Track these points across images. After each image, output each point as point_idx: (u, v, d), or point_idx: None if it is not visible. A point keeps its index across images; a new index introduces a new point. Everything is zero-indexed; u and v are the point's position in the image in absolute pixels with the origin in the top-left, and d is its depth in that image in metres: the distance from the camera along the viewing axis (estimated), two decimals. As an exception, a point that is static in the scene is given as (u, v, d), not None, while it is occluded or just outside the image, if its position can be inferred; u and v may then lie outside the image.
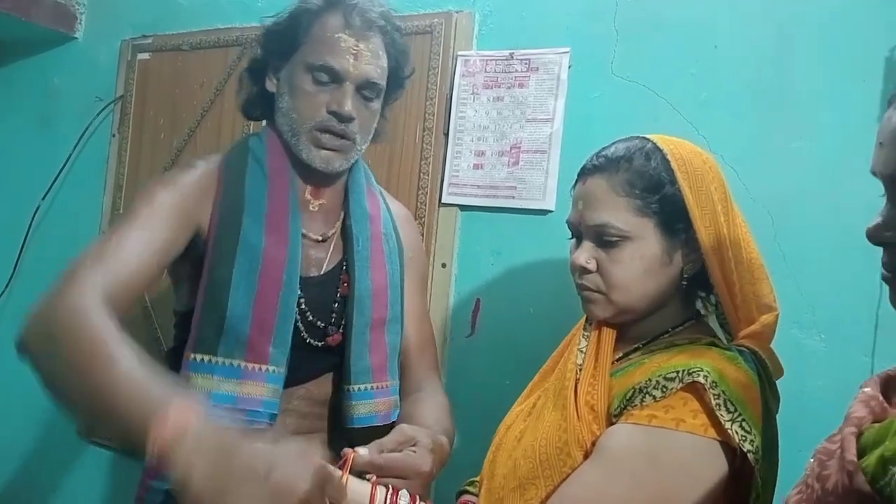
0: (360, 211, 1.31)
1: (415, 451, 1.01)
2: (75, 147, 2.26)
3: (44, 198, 2.30)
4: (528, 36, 1.65)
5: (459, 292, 1.70)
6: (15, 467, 2.35)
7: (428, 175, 1.72)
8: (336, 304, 1.26)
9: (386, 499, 0.93)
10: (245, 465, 0.81)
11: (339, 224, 1.32)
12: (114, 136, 2.21)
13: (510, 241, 1.65)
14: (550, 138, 1.60)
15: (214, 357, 1.15)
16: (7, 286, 2.34)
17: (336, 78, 1.20)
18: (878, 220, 0.72)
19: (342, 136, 1.22)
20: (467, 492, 1.20)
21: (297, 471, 0.82)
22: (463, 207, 1.70)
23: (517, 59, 1.64)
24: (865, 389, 0.75)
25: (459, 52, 1.71)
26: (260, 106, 1.32)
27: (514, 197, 1.63)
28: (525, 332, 1.59)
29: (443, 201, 1.71)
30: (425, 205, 1.72)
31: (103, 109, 2.23)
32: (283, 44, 1.24)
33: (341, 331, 1.26)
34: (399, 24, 1.30)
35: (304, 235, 1.25)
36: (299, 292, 1.21)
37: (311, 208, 1.29)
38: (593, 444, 0.96)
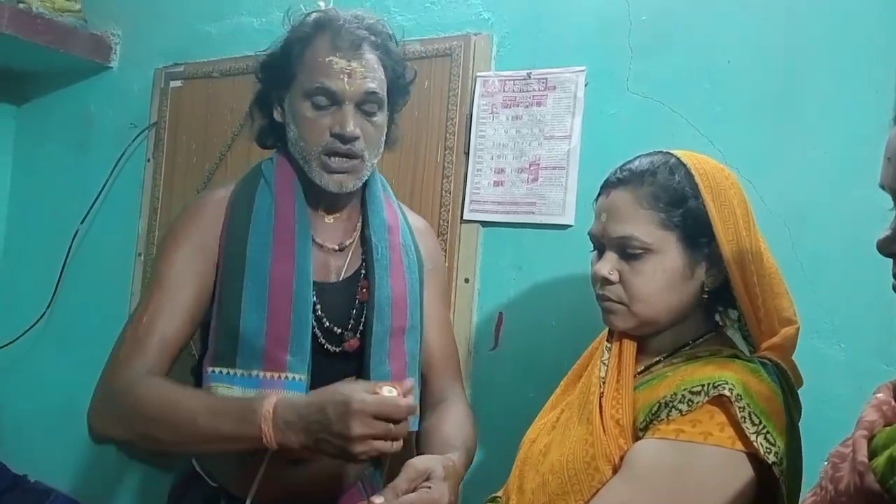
0: (379, 221, 1.34)
1: (430, 487, 1.04)
2: (111, 172, 2.33)
3: (82, 222, 2.37)
4: (545, 56, 1.69)
5: (483, 306, 1.74)
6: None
7: (450, 193, 1.76)
8: (354, 311, 1.29)
9: None
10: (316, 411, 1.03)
11: (356, 234, 1.35)
12: (148, 161, 2.28)
13: (531, 255, 1.68)
14: (568, 155, 1.63)
15: (233, 369, 1.21)
16: (48, 308, 2.41)
17: (334, 100, 1.23)
18: (887, 232, 0.74)
19: (349, 157, 1.24)
20: None
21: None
22: (484, 223, 1.74)
23: (534, 79, 1.68)
24: (878, 395, 0.77)
25: (478, 73, 1.75)
26: (272, 136, 1.36)
27: (534, 212, 1.66)
28: (547, 344, 1.62)
29: (465, 218, 1.74)
30: (447, 222, 1.76)
31: (138, 136, 2.30)
32: (279, 74, 1.28)
33: (359, 336, 1.29)
34: (391, 33, 1.31)
35: (320, 245, 1.29)
36: (315, 299, 1.25)
37: (326, 221, 1.33)
38: (621, 458, 0.97)
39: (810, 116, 1.42)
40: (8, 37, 2.11)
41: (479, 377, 1.72)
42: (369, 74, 1.24)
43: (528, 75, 1.69)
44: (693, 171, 1.04)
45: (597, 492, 0.96)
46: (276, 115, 1.31)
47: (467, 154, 1.75)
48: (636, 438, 0.98)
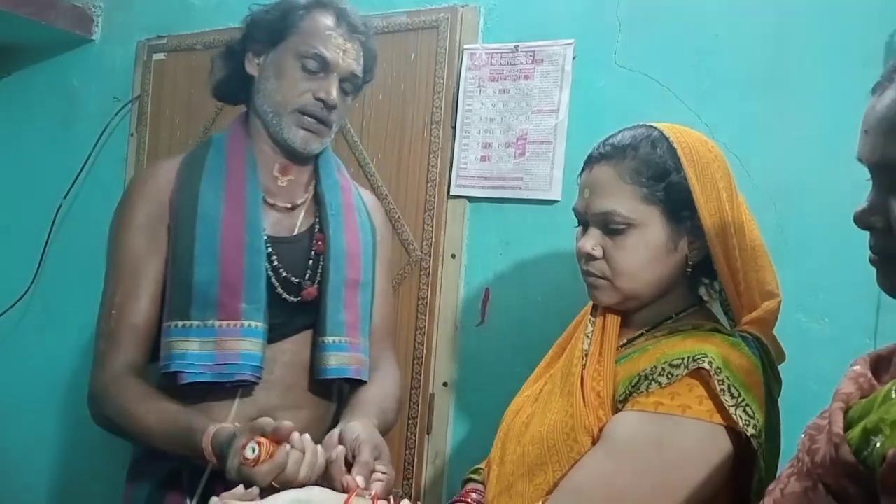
0: (331, 181, 1.40)
1: (385, 472, 1.08)
2: (94, 147, 2.31)
3: (65, 196, 2.35)
4: (533, 29, 1.67)
5: (469, 282, 1.74)
6: (44, 458, 2.42)
7: (436, 167, 1.75)
8: (311, 262, 1.33)
9: None
10: None
11: (308, 195, 1.39)
12: (132, 135, 2.25)
13: (518, 231, 1.68)
14: (556, 129, 1.62)
15: (188, 321, 1.23)
16: (32, 282, 2.39)
17: (325, 68, 1.30)
18: (864, 204, 0.73)
19: (323, 122, 1.32)
20: (472, 479, 1.21)
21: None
22: (471, 199, 1.73)
23: (522, 52, 1.67)
24: (855, 367, 0.77)
25: (465, 46, 1.73)
26: (234, 87, 1.40)
27: (521, 188, 1.66)
28: (534, 319, 1.62)
29: (451, 193, 1.74)
30: (434, 197, 1.75)
31: (121, 109, 2.27)
32: (271, 31, 1.33)
33: (317, 286, 1.32)
34: (373, 34, 1.41)
35: (271, 205, 1.33)
36: (270, 250, 1.29)
37: (279, 183, 1.36)
38: (600, 429, 0.97)
39: (799, 92, 1.41)
40: (-12, 8, 2.07)
41: (466, 352, 1.73)
42: (357, 58, 1.34)
43: (516, 48, 1.67)
44: (675, 145, 1.03)
45: (576, 462, 0.97)
46: (250, 67, 1.35)
47: (454, 128, 1.74)
48: (616, 411, 0.99)
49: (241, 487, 0.97)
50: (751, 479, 0.95)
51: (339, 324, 1.31)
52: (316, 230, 1.36)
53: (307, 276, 1.32)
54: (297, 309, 1.31)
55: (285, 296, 1.30)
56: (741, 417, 0.91)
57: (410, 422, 1.75)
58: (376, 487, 1.04)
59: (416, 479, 1.74)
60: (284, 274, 1.30)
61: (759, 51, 1.45)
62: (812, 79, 1.40)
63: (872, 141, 0.71)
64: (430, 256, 1.75)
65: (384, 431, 1.24)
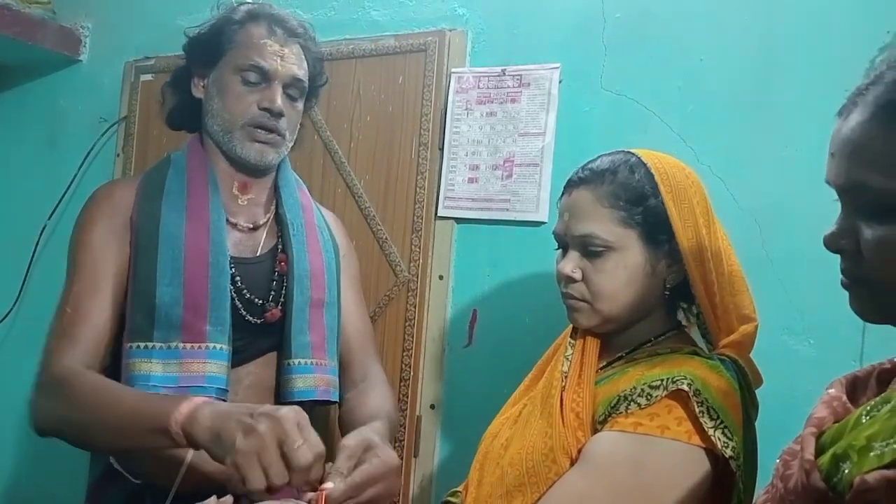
0: (292, 200, 1.39)
1: (377, 455, 1.03)
2: (80, 167, 2.29)
3: (50, 217, 2.33)
4: (520, 52, 1.69)
5: (457, 303, 1.73)
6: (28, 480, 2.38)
7: (424, 189, 1.75)
8: (274, 283, 1.32)
9: None
10: (241, 416, 0.96)
11: (270, 215, 1.38)
12: (118, 155, 2.24)
13: (505, 252, 1.68)
14: (542, 151, 1.63)
15: (150, 343, 1.20)
16: (16, 303, 2.37)
17: (265, 77, 1.30)
18: (833, 228, 0.74)
19: (273, 131, 1.31)
20: (450, 501, 1.21)
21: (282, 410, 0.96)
22: (459, 220, 1.73)
23: (509, 75, 1.68)
24: (830, 391, 0.77)
25: (453, 69, 1.74)
26: (186, 114, 1.40)
27: (508, 209, 1.66)
28: (521, 341, 1.61)
29: (439, 214, 1.74)
30: (422, 218, 1.75)
31: (108, 130, 2.26)
32: (208, 51, 1.33)
33: (280, 308, 1.30)
34: (314, 36, 1.41)
35: (234, 225, 1.32)
36: (232, 271, 1.27)
37: (239, 202, 1.35)
38: (579, 451, 0.98)
39: (783, 115, 1.43)
40: (-26, 28, 2.07)
41: (453, 374, 1.72)
42: (298, 62, 1.34)
43: (503, 72, 1.69)
44: (653, 170, 1.05)
45: (553, 483, 0.97)
46: (196, 91, 1.36)
47: (441, 150, 1.74)
48: (595, 432, 0.99)
49: (213, 498, 0.94)
50: (728, 501, 0.95)
51: (304, 345, 1.30)
52: (279, 251, 1.34)
53: (271, 297, 1.31)
54: (260, 331, 1.30)
55: (248, 317, 1.28)
56: (719, 439, 0.91)
57: (397, 444, 1.73)
58: (361, 469, 1.00)
59: (402, 503, 1.72)
60: (248, 295, 1.29)
61: (743, 74, 1.47)
62: (796, 102, 1.42)
63: (838, 164, 0.72)
64: (417, 277, 1.75)
65: (391, 440, 1.21)
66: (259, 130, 1.30)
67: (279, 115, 1.30)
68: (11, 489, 2.41)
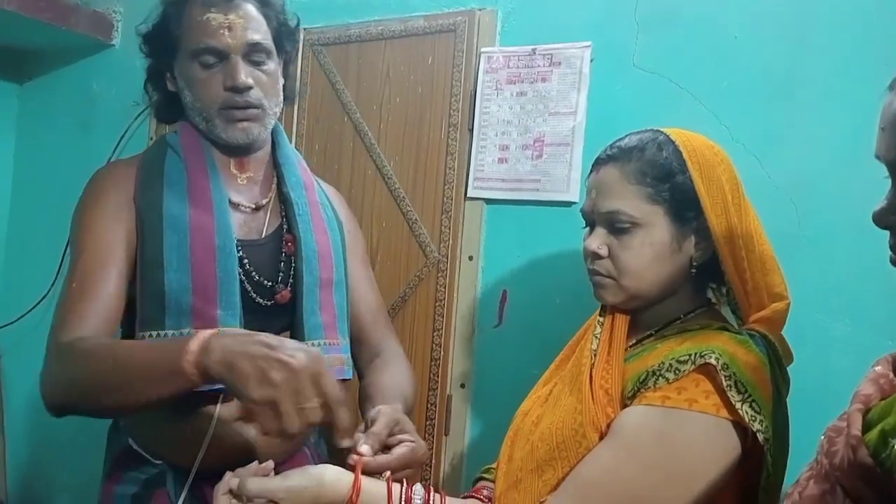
0: (295, 179, 1.35)
1: (412, 441, 1.05)
2: (114, 151, 2.32)
3: (85, 200, 2.37)
4: (550, 31, 1.67)
5: (486, 284, 1.74)
6: (64, 463, 2.44)
7: (454, 170, 1.75)
8: (282, 264, 1.30)
9: (401, 495, 0.96)
10: (254, 354, 0.93)
11: (272, 194, 1.35)
12: (151, 139, 2.27)
13: (535, 233, 1.68)
14: (573, 131, 1.62)
15: (163, 330, 1.19)
16: (52, 286, 2.41)
17: (220, 56, 1.22)
18: (883, 203, 0.73)
19: (247, 107, 1.24)
20: (484, 478, 1.22)
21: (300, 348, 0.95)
22: (488, 201, 1.73)
23: (539, 55, 1.67)
24: (876, 368, 0.77)
25: (483, 49, 1.74)
26: (170, 108, 1.35)
27: (538, 190, 1.66)
28: (551, 321, 1.62)
29: (468, 195, 1.74)
30: (451, 199, 1.75)
31: (140, 114, 2.29)
32: (163, 44, 1.28)
33: (290, 288, 1.29)
34: None
35: (235, 205, 1.29)
36: (240, 254, 1.25)
37: (238, 181, 1.32)
38: (608, 426, 0.98)
39: (818, 92, 1.41)
40: (9, 13, 2.10)
41: (483, 354, 1.73)
42: (250, 25, 1.24)
43: (533, 51, 1.68)
44: (681, 148, 1.05)
45: (583, 458, 0.97)
46: (170, 86, 1.31)
47: (471, 131, 1.74)
48: (624, 407, 0.99)
49: (255, 463, 0.95)
50: (758, 475, 0.95)
51: (316, 326, 1.29)
52: (284, 231, 1.32)
53: (279, 278, 1.29)
54: (271, 312, 1.28)
55: (259, 300, 1.27)
56: (747, 413, 0.91)
57: (428, 423, 1.75)
58: (398, 453, 1.02)
59: (433, 481, 1.74)
60: (257, 278, 1.27)
61: (777, 51, 1.44)
62: (831, 78, 1.40)
63: (889, 139, 0.70)
64: (447, 258, 1.76)
65: (408, 414, 1.21)
66: (234, 111, 1.24)
67: (246, 88, 1.23)
68: (27, 479, 2.46)
